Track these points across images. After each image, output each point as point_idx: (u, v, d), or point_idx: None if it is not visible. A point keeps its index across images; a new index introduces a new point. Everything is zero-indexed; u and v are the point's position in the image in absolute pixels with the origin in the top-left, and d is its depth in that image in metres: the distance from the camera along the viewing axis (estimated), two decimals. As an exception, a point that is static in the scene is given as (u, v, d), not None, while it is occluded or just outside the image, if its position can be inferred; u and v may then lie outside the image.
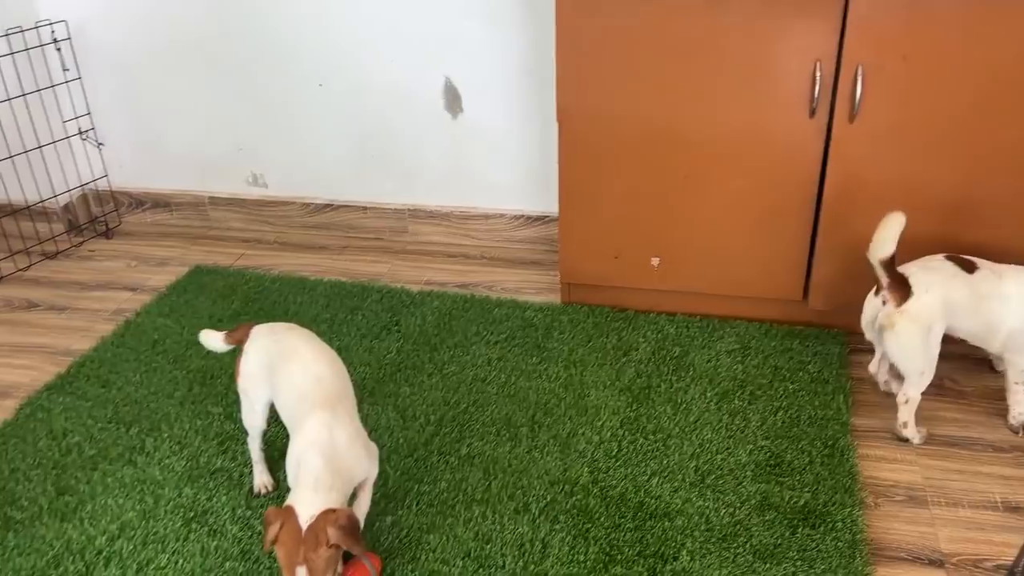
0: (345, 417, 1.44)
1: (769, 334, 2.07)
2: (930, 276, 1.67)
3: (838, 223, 1.92)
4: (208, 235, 2.78)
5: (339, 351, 1.61)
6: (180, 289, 2.42)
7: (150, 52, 2.59)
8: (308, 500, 1.30)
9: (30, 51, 2.49)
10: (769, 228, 1.98)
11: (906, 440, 1.73)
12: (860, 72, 1.75)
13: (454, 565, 1.48)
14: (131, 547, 1.54)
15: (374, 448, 1.50)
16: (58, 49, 2.54)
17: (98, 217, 2.82)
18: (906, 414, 1.72)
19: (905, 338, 1.67)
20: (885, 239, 1.62)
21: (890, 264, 1.64)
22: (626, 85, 1.90)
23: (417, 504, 1.62)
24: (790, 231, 1.98)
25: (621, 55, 1.88)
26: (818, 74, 1.79)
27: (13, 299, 2.45)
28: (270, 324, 1.65)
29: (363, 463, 1.44)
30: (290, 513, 1.29)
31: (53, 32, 2.53)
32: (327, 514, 1.28)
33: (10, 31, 2.42)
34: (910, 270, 1.68)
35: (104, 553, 1.54)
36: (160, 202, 2.84)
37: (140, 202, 2.85)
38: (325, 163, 2.66)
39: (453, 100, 2.47)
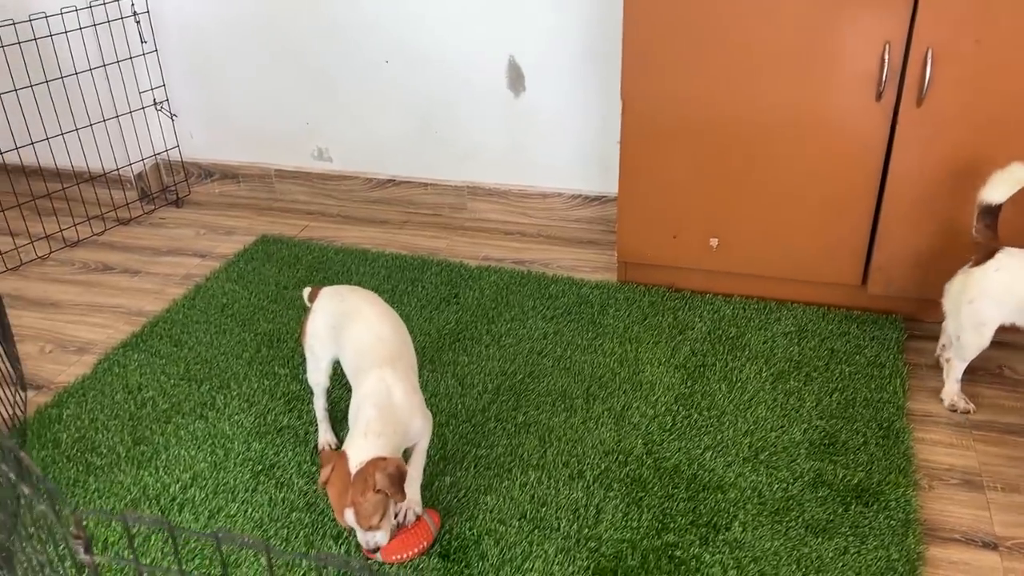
0: (402, 374, 1.49)
1: (826, 318, 2.08)
2: (1012, 260, 1.67)
3: (902, 208, 1.92)
4: (273, 207, 2.87)
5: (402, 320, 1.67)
6: (248, 257, 2.50)
7: (223, 27, 2.68)
8: (360, 447, 1.36)
9: (111, 23, 2.59)
10: (830, 212, 1.98)
11: (944, 404, 1.78)
12: (930, 55, 1.74)
13: (510, 525, 1.53)
14: (203, 495, 1.62)
15: (429, 415, 1.55)
16: (137, 22, 2.64)
17: (169, 186, 2.92)
18: (946, 374, 1.79)
19: (956, 296, 1.72)
20: (1001, 182, 1.64)
21: (991, 216, 1.66)
22: (691, 68, 1.92)
23: (475, 467, 1.67)
24: (852, 215, 1.98)
25: (687, 38, 1.89)
26: (886, 57, 1.78)
27: (89, 262, 2.56)
28: (337, 286, 1.72)
29: (417, 421, 1.49)
30: (342, 457, 1.36)
31: (133, 5, 2.62)
32: (377, 461, 1.34)
33: (93, 3, 2.52)
34: (1005, 247, 1.69)
35: (178, 500, 1.62)
36: (228, 173, 2.93)
37: (209, 173, 2.95)
38: (388, 139, 2.72)
39: (516, 79, 2.50)
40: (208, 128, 2.88)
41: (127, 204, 2.82)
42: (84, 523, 0.73)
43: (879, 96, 1.83)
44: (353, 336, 1.57)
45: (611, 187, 2.52)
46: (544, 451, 1.70)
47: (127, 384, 1.95)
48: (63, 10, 2.46)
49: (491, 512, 1.56)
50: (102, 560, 0.76)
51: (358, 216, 2.78)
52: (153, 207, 2.87)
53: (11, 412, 1.83)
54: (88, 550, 0.76)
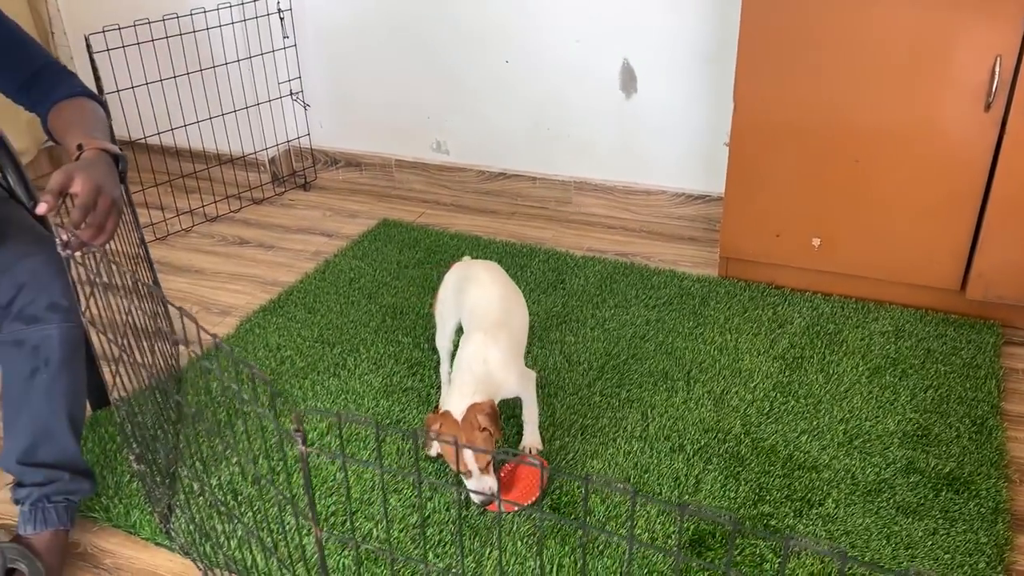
0: (502, 341, 1.64)
1: (924, 320, 2.14)
2: None
3: (1006, 216, 1.97)
4: (392, 194, 3.08)
5: None
6: (371, 237, 2.71)
7: (356, 25, 2.90)
8: (456, 402, 1.54)
9: (258, 19, 2.84)
10: (933, 217, 2.05)
11: None
12: (1043, 68, 1.80)
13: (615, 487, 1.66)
14: (337, 442, 1.81)
15: (531, 374, 1.71)
16: (281, 18, 2.88)
17: (298, 171, 3.16)
18: None
19: None
20: None
21: None
22: (804, 73, 2.02)
23: (582, 435, 1.81)
24: (954, 222, 2.04)
25: (802, 45, 1.99)
26: (997, 69, 1.85)
27: (227, 236, 2.81)
28: (470, 260, 1.90)
29: (511, 383, 1.64)
30: (446, 413, 1.54)
31: (279, 3, 2.86)
32: (475, 406, 1.52)
33: (244, 0, 2.77)
34: None
35: (315, 444, 1.81)
36: (352, 162, 3.16)
37: (335, 160, 3.18)
38: (502, 135, 2.89)
39: (629, 80, 2.64)
40: (337, 118, 3.11)
41: (261, 186, 3.07)
42: (303, 421, 0.90)
43: (988, 107, 1.89)
44: (468, 300, 1.75)
45: (715, 186, 2.63)
46: (646, 425, 1.84)
47: (267, 344, 2.17)
48: (219, 6, 2.72)
49: (597, 474, 1.70)
50: (314, 451, 0.93)
51: (470, 206, 2.96)
52: (283, 189, 3.11)
53: (169, 363, 2.07)
54: (304, 443, 0.93)
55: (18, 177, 1.68)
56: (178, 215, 2.87)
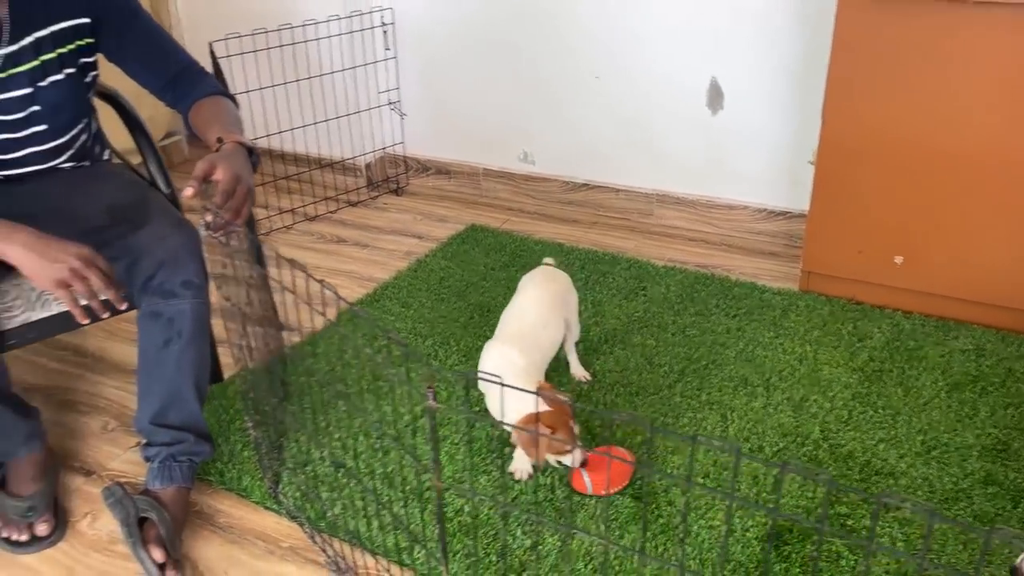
0: (515, 355, 1.71)
1: (1005, 340, 2.15)
2: None
3: (1095, 239, 1.98)
4: (479, 201, 3.21)
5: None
6: (459, 241, 2.84)
7: (452, 39, 3.05)
8: (517, 408, 1.57)
9: (364, 32, 3.02)
10: (1019, 240, 2.07)
11: None
12: None
13: (695, 482, 1.74)
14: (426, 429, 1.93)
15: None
16: (384, 32, 3.05)
17: (391, 177, 3.32)
18: None
19: None
20: None
21: None
22: (895, 95, 2.07)
23: (662, 432, 1.89)
24: (1042, 243, 2.06)
25: (893, 67, 2.04)
26: (1092, 93, 1.87)
27: (325, 234, 2.98)
28: (550, 268, 2.00)
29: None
30: (526, 416, 1.56)
31: (383, 17, 3.04)
32: (540, 390, 1.57)
33: (352, 13, 2.95)
34: None
35: (410, 427, 1.93)
36: (442, 169, 3.30)
37: (426, 167, 3.33)
38: (588, 146, 2.99)
39: (715, 97, 2.72)
40: (429, 127, 3.26)
41: (356, 189, 3.24)
42: (434, 379, 1.01)
43: (1081, 130, 1.91)
44: (511, 306, 1.91)
45: (797, 203, 2.68)
46: (726, 427, 1.90)
47: (365, 332, 2.31)
48: (329, 18, 2.90)
49: (678, 469, 1.78)
50: (443, 407, 1.04)
51: (553, 215, 3.07)
52: (377, 193, 3.27)
53: (275, 345, 2.22)
54: (434, 399, 1.04)
55: (158, 166, 1.86)
56: (280, 213, 3.05)
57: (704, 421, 1.92)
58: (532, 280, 1.97)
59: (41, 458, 1.71)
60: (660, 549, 1.58)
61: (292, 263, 1.28)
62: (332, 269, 2.71)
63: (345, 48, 3.01)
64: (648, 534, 1.62)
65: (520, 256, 2.72)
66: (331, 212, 3.13)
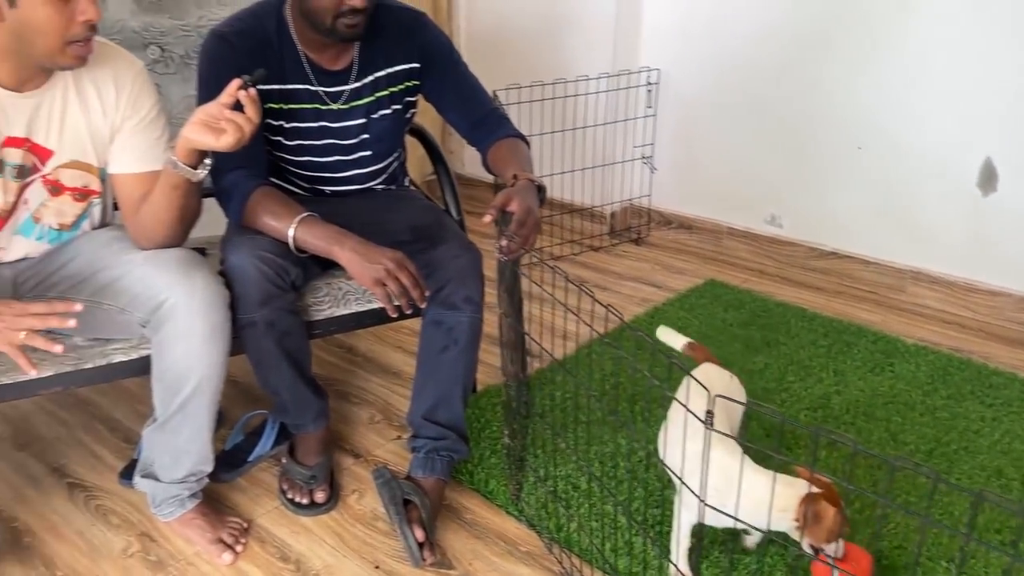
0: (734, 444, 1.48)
1: None
2: None
3: None
4: (718, 258, 3.26)
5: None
6: (696, 294, 2.91)
7: (712, 99, 3.15)
8: (791, 488, 1.45)
9: (629, 89, 3.20)
10: None
11: None
12: None
13: (938, 564, 1.67)
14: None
15: None
16: (648, 91, 3.22)
17: (633, 226, 3.46)
18: None
19: None
20: None
21: None
22: None
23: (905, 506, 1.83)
24: None
25: None
26: None
27: (568, 274, 3.14)
28: (715, 368, 1.85)
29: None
30: (809, 498, 1.43)
31: (648, 77, 3.21)
32: (810, 498, 1.43)
33: (620, 72, 3.14)
34: None
35: (644, 462, 2.01)
36: (685, 224, 3.39)
37: (668, 221, 3.44)
38: (841, 215, 2.96)
39: (988, 178, 2.61)
40: (678, 183, 3.37)
41: (600, 235, 3.40)
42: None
43: None
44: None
45: (1074, 296, 2.50)
46: (975, 514, 1.81)
47: (603, 368, 2.43)
48: (600, 75, 3.11)
49: (918, 548, 1.72)
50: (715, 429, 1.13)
51: (794, 279, 3.06)
52: (617, 241, 3.42)
53: (521, 370, 2.40)
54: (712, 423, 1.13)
55: (452, 195, 2.10)
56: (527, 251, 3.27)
57: (951, 507, 1.84)
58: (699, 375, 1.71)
59: (325, 435, 1.97)
60: (897, 624, 1.55)
61: (580, 287, 1.42)
62: (572, 305, 2.87)
63: (609, 103, 3.20)
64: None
65: (760, 316, 2.74)
66: (574, 254, 3.31)
